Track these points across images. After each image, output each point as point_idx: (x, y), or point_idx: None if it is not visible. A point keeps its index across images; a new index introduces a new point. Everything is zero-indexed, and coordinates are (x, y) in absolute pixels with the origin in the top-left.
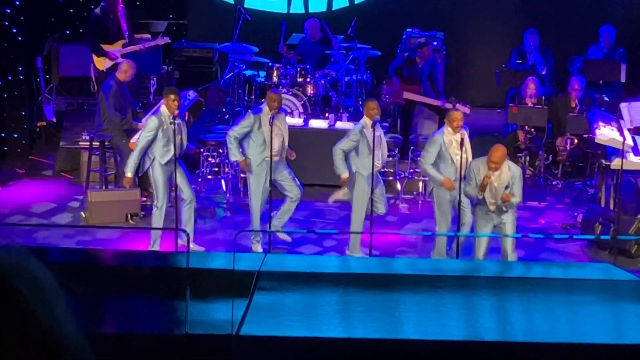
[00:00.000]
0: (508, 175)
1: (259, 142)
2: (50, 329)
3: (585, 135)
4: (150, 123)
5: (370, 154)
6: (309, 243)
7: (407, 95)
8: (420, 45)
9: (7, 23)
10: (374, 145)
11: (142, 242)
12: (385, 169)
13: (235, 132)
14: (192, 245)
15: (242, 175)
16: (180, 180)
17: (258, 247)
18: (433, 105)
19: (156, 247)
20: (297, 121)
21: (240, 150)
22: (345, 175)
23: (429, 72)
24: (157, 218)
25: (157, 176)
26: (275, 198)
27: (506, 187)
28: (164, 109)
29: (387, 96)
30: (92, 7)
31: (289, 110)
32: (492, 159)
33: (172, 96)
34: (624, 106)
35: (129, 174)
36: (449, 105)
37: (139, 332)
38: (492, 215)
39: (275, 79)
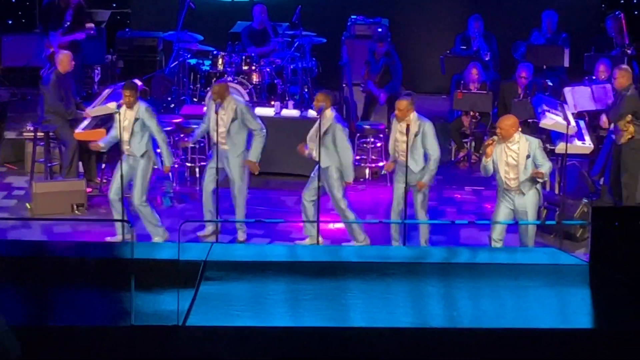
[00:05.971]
0: (526, 146)
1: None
2: None
3: (530, 120)
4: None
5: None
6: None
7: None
8: (380, 40)
9: None
10: (320, 134)
11: (87, 234)
12: None
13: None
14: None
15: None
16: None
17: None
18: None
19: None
20: None
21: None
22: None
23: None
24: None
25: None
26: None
27: (527, 157)
28: None
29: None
30: None
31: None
32: (499, 125)
33: (126, 92)
34: (567, 91)
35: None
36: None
37: (84, 325)
38: (512, 199)
39: (220, 67)
